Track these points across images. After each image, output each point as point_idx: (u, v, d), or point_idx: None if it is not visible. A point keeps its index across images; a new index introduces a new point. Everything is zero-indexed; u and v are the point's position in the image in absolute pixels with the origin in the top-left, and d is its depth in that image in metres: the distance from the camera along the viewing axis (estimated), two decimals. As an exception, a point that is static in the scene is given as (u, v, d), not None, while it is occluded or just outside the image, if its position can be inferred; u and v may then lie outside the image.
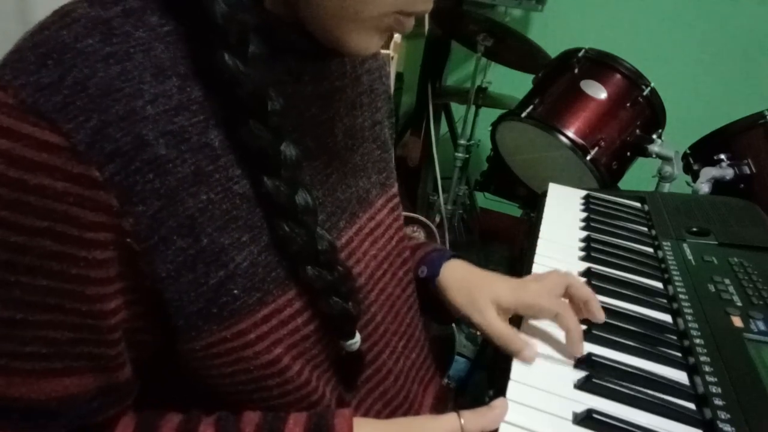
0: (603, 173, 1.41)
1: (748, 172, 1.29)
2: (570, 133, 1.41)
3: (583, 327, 0.63)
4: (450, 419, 0.50)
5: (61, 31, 0.36)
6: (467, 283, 0.66)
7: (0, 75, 0.35)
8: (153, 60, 0.38)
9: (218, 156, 0.41)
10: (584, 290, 0.63)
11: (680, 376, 0.59)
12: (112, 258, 0.39)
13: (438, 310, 0.69)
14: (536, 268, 0.75)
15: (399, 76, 2.18)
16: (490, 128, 1.64)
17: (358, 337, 0.51)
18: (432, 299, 0.68)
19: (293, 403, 0.49)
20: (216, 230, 0.42)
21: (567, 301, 0.63)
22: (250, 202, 0.44)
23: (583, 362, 0.59)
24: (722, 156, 1.33)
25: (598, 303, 0.63)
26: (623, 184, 1.52)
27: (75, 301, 0.38)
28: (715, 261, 0.78)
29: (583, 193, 0.99)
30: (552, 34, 2.14)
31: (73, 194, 0.35)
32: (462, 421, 0.49)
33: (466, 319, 0.64)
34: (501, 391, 0.54)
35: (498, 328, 0.61)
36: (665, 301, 0.71)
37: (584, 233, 0.85)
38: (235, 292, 0.43)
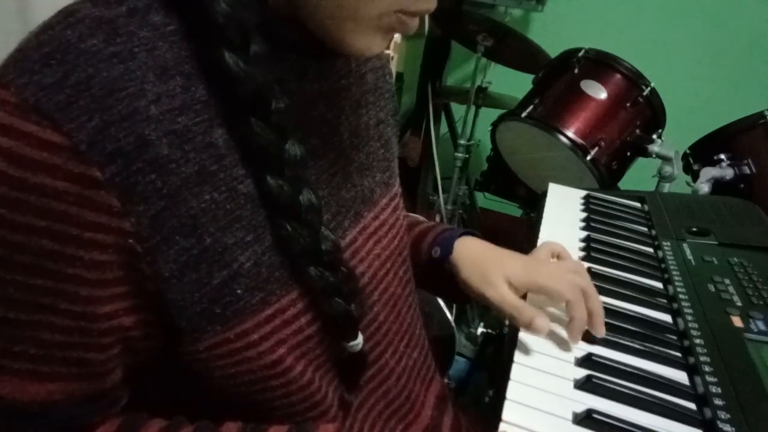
0: (603, 173, 1.41)
1: (748, 172, 1.29)
2: (570, 133, 1.41)
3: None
4: None
5: (65, 31, 0.36)
6: (480, 260, 0.66)
7: (3, 74, 0.35)
8: (157, 59, 0.38)
9: (223, 156, 0.41)
10: (594, 302, 0.62)
11: (680, 376, 0.59)
12: (111, 261, 0.38)
13: (454, 290, 0.69)
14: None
15: (399, 76, 2.18)
16: (490, 128, 1.64)
17: (360, 338, 0.51)
18: (447, 279, 0.68)
19: (296, 404, 0.49)
20: (219, 230, 0.42)
21: (581, 293, 0.62)
22: (255, 202, 0.44)
23: (583, 362, 0.59)
24: (722, 156, 1.33)
25: (602, 320, 0.62)
26: (623, 184, 1.52)
27: (69, 301, 0.38)
28: (715, 261, 0.78)
29: (583, 193, 0.99)
30: (552, 34, 2.14)
31: (73, 194, 0.35)
32: None
33: (479, 295, 0.64)
34: (501, 391, 0.54)
35: (511, 299, 0.62)
36: (665, 301, 0.71)
37: (584, 233, 0.85)
38: (239, 292, 0.43)
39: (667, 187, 1.33)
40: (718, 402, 0.54)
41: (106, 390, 0.44)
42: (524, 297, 0.65)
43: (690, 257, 0.79)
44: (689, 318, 0.66)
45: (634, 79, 1.45)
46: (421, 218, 0.78)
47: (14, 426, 0.41)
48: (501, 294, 0.62)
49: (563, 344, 0.61)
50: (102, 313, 0.40)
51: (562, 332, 0.62)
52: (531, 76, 1.64)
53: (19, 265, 0.36)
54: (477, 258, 0.67)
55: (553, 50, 1.66)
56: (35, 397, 0.40)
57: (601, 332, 0.62)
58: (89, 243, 0.37)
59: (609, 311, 0.65)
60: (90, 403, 0.43)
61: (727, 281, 0.73)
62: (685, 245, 0.82)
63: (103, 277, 0.39)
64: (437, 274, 0.69)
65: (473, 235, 0.71)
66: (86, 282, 0.38)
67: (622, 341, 0.62)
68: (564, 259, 0.70)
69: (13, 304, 0.38)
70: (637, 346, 0.62)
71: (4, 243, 0.36)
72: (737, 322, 0.65)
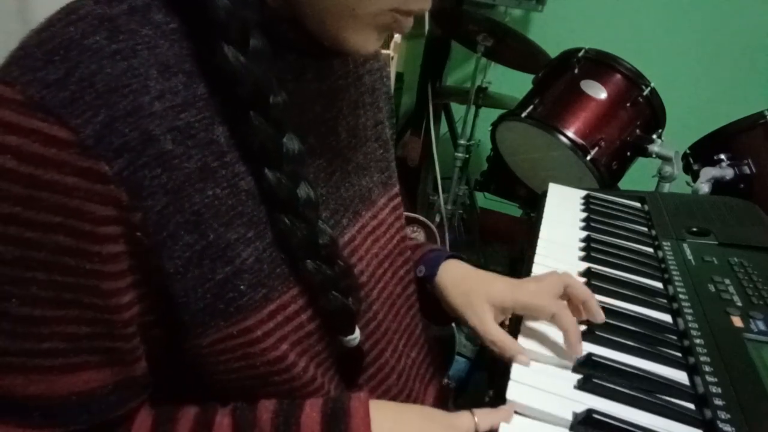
0: (603, 173, 1.41)
1: (748, 172, 1.29)
2: (570, 133, 1.41)
3: (584, 327, 0.63)
4: (466, 419, 0.51)
5: (67, 27, 0.36)
6: (464, 284, 0.66)
7: (7, 72, 0.35)
8: (158, 57, 0.39)
9: (224, 152, 0.42)
10: (582, 290, 0.63)
11: (680, 376, 0.59)
12: (124, 252, 0.39)
13: (435, 311, 0.69)
14: (536, 269, 0.75)
15: (399, 76, 2.18)
16: (490, 128, 1.64)
17: (357, 332, 0.51)
18: (430, 299, 0.68)
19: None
20: (222, 226, 0.42)
21: (565, 302, 0.63)
22: (255, 199, 0.44)
23: (583, 362, 0.59)
24: (722, 156, 1.33)
25: (596, 303, 0.63)
26: (623, 184, 1.52)
27: (91, 295, 0.38)
28: (715, 261, 0.78)
29: (583, 193, 0.99)
30: (552, 34, 2.14)
31: (83, 189, 0.36)
32: (476, 420, 0.50)
33: (462, 320, 0.64)
34: (501, 391, 0.54)
35: (493, 332, 0.61)
36: (665, 301, 0.71)
37: (584, 233, 0.85)
38: (242, 287, 0.44)
39: (667, 187, 1.33)
40: (718, 402, 0.53)
41: (136, 377, 0.44)
42: (519, 325, 0.64)
43: (690, 257, 0.79)
44: (689, 318, 0.66)
45: (634, 79, 1.46)
46: (409, 233, 0.78)
47: (54, 423, 0.41)
48: (483, 324, 0.62)
49: (563, 345, 0.61)
50: (123, 303, 0.40)
51: (560, 333, 0.61)
52: (531, 76, 1.65)
53: (38, 262, 0.37)
54: (461, 281, 0.66)
55: (553, 50, 1.66)
56: (72, 389, 0.40)
57: (599, 317, 0.63)
58: (103, 238, 0.37)
59: (609, 311, 0.65)
60: (123, 390, 0.43)
61: (727, 281, 0.73)
62: (685, 245, 0.82)
63: (120, 268, 0.39)
64: (420, 294, 0.69)
65: (460, 258, 0.71)
66: (105, 276, 0.38)
67: (622, 341, 0.62)
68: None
69: (37, 302, 0.37)
70: (637, 346, 0.61)
71: (22, 241, 0.36)
72: (737, 322, 0.65)
